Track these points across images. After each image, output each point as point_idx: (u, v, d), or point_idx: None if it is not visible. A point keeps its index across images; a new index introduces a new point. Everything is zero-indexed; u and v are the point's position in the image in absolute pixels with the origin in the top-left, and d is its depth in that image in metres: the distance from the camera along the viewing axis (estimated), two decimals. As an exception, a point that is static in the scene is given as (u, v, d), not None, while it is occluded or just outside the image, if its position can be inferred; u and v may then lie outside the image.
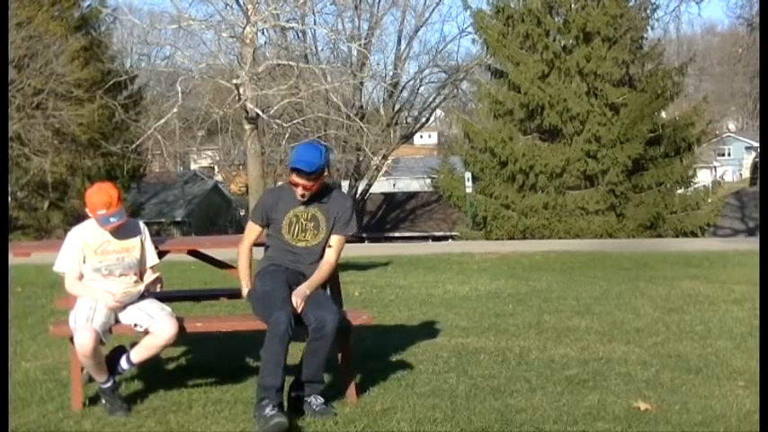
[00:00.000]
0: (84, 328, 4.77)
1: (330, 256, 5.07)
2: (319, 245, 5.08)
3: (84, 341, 4.73)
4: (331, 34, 27.20)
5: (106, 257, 4.99)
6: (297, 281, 4.98)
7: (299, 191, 4.99)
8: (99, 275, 4.99)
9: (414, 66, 41.00)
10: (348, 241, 5.32)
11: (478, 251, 16.23)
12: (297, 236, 5.06)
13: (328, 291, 5.34)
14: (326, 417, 4.66)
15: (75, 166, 29.72)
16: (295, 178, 4.95)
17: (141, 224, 5.22)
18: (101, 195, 4.90)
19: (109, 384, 4.91)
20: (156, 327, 4.90)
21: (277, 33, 25.55)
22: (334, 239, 5.09)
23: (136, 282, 5.06)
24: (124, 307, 4.99)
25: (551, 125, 25.30)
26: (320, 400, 4.81)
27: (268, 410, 4.50)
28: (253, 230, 5.17)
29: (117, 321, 5.01)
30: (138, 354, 5.00)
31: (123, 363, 5.03)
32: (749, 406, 4.83)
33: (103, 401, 4.91)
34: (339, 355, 5.14)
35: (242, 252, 5.19)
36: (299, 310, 4.78)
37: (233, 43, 20.47)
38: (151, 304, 5.02)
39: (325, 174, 5.09)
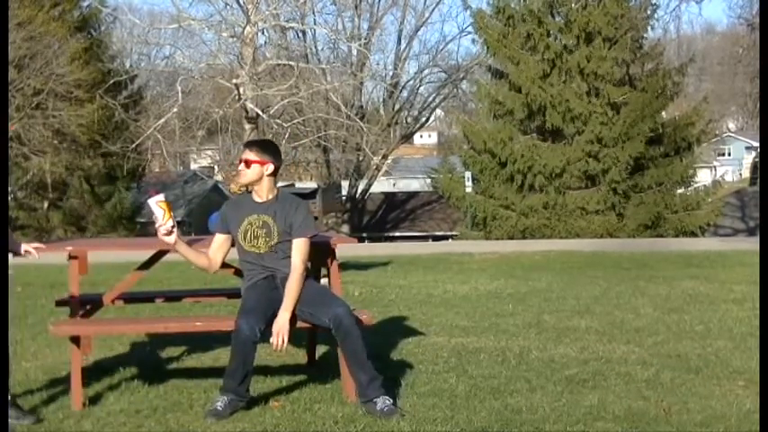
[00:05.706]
0: None
1: (295, 263, 4.96)
2: (273, 251, 5.03)
3: None
4: (331, 34, 27.19)
5: None
6: (270, 287, 5.00)
7: (240, 167, 5.09)
8: None
9: (414, 66, 40.95)
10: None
11: (478, 251, 16.22)
12: (250, 243, 5.06)
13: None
14: (393, 417, 4.61)
15: (74, 167, 29.70)
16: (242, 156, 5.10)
17: None
18: None
19: None
20: None
21: (277, 33, 25.50)
22: (294, 245, 5.02)
23: None
24: None
25: (553, 125, 25.28)
26: (388, 401, 4.75)
27: (215, 402, 4.76)
28: (215, 240, 5.17)
29: None
30: None
31: None
32: (749, 406, 4.83)
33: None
34: (339, 355, 5.13)
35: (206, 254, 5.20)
36: (281, 346, 4.78)
37: (233, 43, 20.45)
38: None
39: (270, 168, 5.05)
